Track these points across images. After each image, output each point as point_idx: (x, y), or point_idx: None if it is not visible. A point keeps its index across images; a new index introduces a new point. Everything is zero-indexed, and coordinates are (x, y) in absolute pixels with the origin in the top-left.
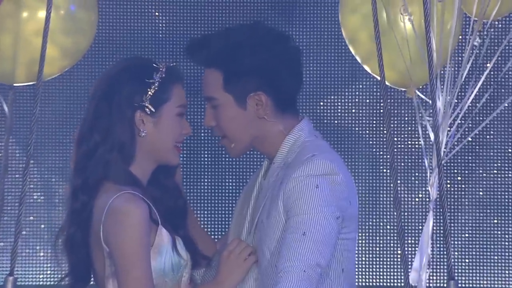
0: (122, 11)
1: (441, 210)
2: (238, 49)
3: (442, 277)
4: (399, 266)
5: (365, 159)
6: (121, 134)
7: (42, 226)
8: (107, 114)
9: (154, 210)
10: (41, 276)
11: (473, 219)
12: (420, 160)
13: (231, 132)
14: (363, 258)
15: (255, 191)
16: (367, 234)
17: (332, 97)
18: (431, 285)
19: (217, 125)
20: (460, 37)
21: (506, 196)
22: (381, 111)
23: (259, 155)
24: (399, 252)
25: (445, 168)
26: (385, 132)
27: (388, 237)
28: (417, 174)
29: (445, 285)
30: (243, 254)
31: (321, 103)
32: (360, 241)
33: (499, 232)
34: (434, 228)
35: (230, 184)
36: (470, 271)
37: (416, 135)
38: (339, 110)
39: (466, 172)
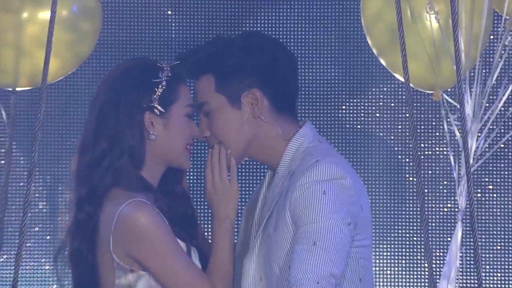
0: (129, 10)
1: (470, 221)
2: (227, 49)
3: None
4: (426, 280)
5: (390, 166)
6: (130, 138)
7: (48, 237)
8: (113, 119)
9: (165, 219)
10: None
11: (504, 231)
12: (448, 168)
13: (225, 137)
14: (388, 272)
15: (259, 204)
16: (392, 246)
17: (355, 100)
18: None
19: (211, 132)
20: (492, 37)
21: None
22: (407, 115)
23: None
24: (425, 265)
25: (474, 176)
26: (410, 138)
27: (414, 250)
28: (445, 182)
29: None
30: (223, 176)
31: (343, 107)
32: (384, 254)
33: None
34: (463, 240)
35: None
36: (502, 285)
37: (444, 141)
38: (362, 114)
39: (498, 180)
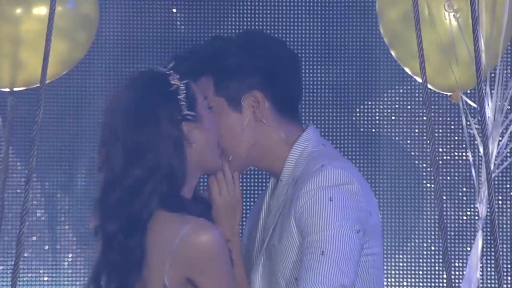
0: (129, 7)
1: (491, 230)
2: (226, 48)
3: None
4: None
5: (406, 172)
6: (171, 159)
7: (46, 247)
8: (149, 148)
9: None
10: None
11: None
12: (466, 174)
13: (227, 143)
14: (405, 283)
15: (263, 214)
16: (409, 256)
17: (370, 103)
18: None
19: None
20: None
21: None
22: (425, 118)
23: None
24: (444, 276)
25: (495, 182)
26: (428, 142)
27: (432, 260)
28: (464, 189)
29: None
30: (230, 189)
31: (357, 109)
32: (401, 264)
33: None
34: (484, 249)
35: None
36: None
37: (463, 146)
38: (377, 117)
39: None
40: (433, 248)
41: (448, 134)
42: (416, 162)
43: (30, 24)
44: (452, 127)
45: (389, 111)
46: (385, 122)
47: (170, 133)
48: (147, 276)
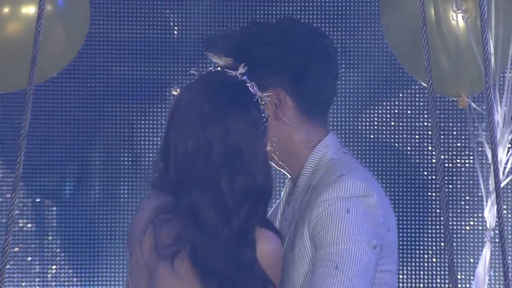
0: (121, 8)
1: (500, 241)
2: (257, 39)
3: None
4: None
5: (408, 181)
6: (264, 179)
7: (29, 258)
8: (240, 170)
9: None
10: None
11: None
12: (471, 182)
13: None
14: None
15: (277, 219)
16: (410, 269)
17: (369, 108)
18: None
19: None
20: None
21: None
22: (426, 124)
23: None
24: None
25: (504, 192)
26: (431, 149)
27: (436, 272)
28: (467, 198)
29: None
30: None
31: (357, 115)
32: (402, 277)
33: None
34: (491, 262)
35: None
36: None
37: (466, 152)
38: (375, 123)
39: None
40: (434, 260)
41: (450, 141)
42: (419, 170)
43: (17, 24)
44: (454, 133)
45: (389, 116)
46: (384, 128)
47: (262, 151)
48: None
